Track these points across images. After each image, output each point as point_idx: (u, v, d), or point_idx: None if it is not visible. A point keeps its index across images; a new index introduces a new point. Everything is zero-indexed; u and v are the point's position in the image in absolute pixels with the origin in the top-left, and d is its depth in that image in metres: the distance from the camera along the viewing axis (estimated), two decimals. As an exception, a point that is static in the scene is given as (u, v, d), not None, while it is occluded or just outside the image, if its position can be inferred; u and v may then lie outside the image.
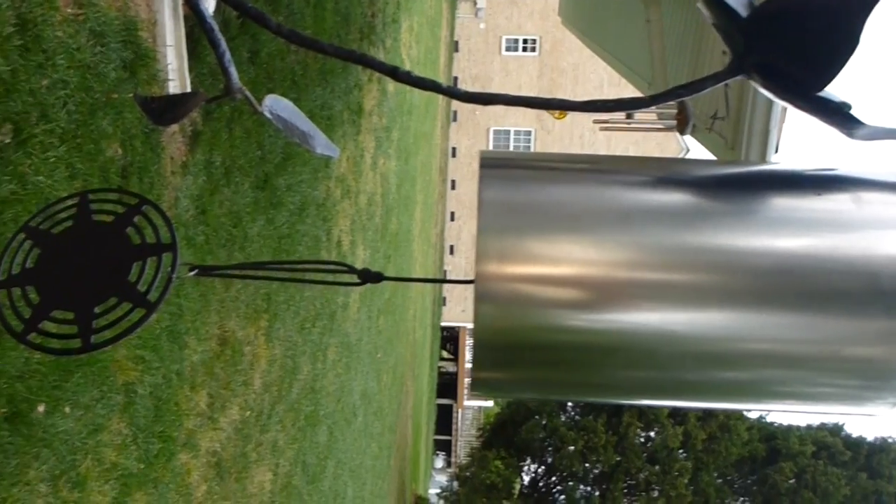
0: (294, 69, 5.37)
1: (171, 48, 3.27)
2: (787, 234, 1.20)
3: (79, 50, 2.73)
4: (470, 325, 32.44)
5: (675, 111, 4.30)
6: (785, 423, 20.94)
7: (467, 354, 33.39)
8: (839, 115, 1.14)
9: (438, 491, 25.73)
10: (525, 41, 30.56)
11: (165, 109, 1.39)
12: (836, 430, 21.06)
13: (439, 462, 37.20)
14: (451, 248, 31.02)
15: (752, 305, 1.19)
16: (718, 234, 1.21)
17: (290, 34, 1.21)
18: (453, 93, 1.19)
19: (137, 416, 3.32)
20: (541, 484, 20.70)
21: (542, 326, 1.23)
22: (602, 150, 29.69)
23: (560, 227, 1.23)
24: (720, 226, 1.21)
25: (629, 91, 7.92)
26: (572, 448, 19.23)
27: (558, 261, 1.22)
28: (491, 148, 30.40)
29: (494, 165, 1.32)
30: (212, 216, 4.04)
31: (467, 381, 33.24)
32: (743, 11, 1.14)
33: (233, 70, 1.24)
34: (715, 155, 4.42)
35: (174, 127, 3.58)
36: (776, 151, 3.75)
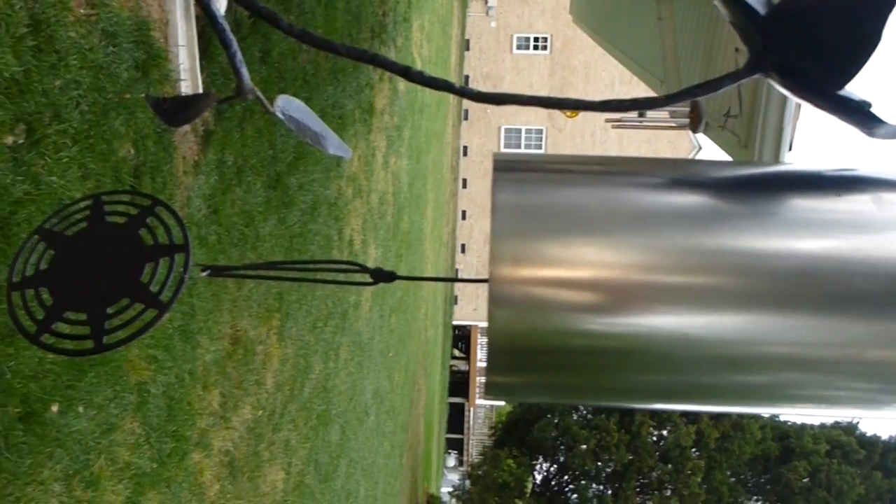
0: (306, 68, 5.37)
1: (182, 48, 3.27)
2: (806, 235, 1.18)
3: (91, 50, 2.74)
4: (482, 324, 32.45)
5: (688, 109, 4.27)
6: (798, 421, 20.83)
7: (479, 353, 33.37)
8: (859, 114, 1.12)
9: (450, 489, 25.75)
10: (536, 39, 30.49)
11: (177, 110, 1.38)
12: (850, 428, 20.93)
13: (451, 461, 37.20)
14: (463, 246, 31.00)
15: (771, 308, 1.17)
16: (737, 236, 1.19)
17: (302, 34, 1.20)
18: (466, 93, 1.18)
19: (150, 415, 3.33)
20: (553, 483, 20.66)
21: (557, 330, 1.22)
22: (614, 148, 29.60)
23: (575, 230, 1.22)
24: (738, 228, 1.19)
25: (641, 89, 7.89)
26: (585, 447, 19.18)
27: (573, 264, 1.21)
28: (502, 146, 30.36)
29: (508, 168, 1.31)
30: (224, 215, 4.05)
31: (479, 380, 33.23)
32: (761, 9, 1.12)
33: (244, 71, 1.23)
34: (728, 153, 4.39)
35: (186, 127, 3.58)
36: (790, 149, 3.72)
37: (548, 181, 1.30)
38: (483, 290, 30.76)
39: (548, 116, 29.68)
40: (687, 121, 4.41)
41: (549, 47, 30.30)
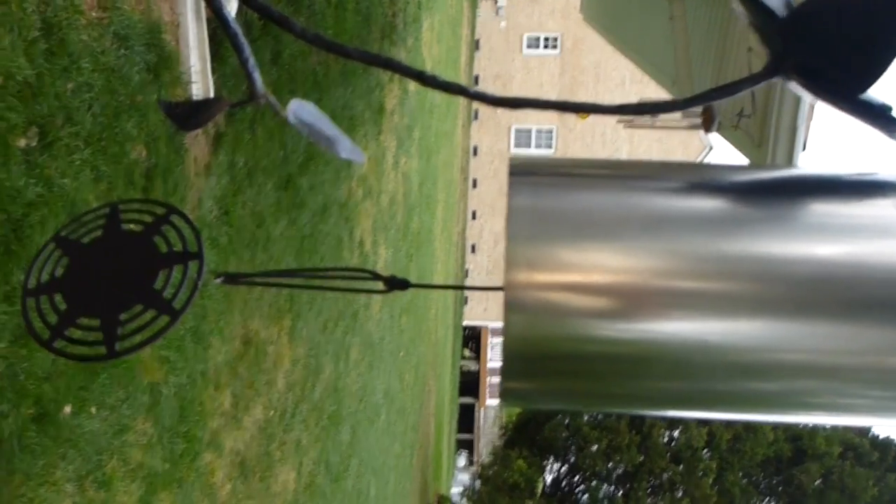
0: (316, 70, 5.38)
1: (194, 50, 3.28)
2: (825, 241, 1.16)
3: (103, 53, 2.75)
4: (492, 324, 32.44)
5: (700, 109, 4.25)
6: (811, 423, 20.67)
7: (489, 353, 33.35)
8: (881, 118, 1.10)
9: (461, 490, 25.74)
10: (546, 39, 30.43)
11: (190, 115, 1.39)
12: (863, 430, 20.79)
13: (462, 461, 37.20)
14: (473, 246, 30.99)
15: (789, 315, 1.15)
16: (755, 241, 1.17)
17: (314, 38, 1.20)
18: (481, 97, 1.17)
19: (163, 416, 3.34)
20: (564, 483, 20.63)
21: (573, 336, 1.20)
22: (624, 148, 29.49)
23: (592, 235, 1.20)
24: (756, 233, 1.18)
25: (652, 88, 7.84)
26: (595, 447, 19.15)
27: (590, 269, 1.19)
28: (512, 146, 30.32)
29: (524, 172, 1.30)
30: (235, 217, 4.06)
31: (490, 380, 33.21)
32: (781, 11, 1.11)
33: (257, 75, 1.23)
34: (741, 152, 4.37)
35: (197, 129, 3.59)
36: (804, 149, 3.69)
37: (564, 185, 1.29)
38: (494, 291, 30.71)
39: (558, 116, 29.61)
40: (699, 121, 4.38)
41: (559, 47, 30.24)
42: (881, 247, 1.14)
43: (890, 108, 1.10)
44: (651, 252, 1.18)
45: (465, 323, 32.09)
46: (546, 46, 30.44)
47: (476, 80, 30.03)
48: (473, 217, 30.86)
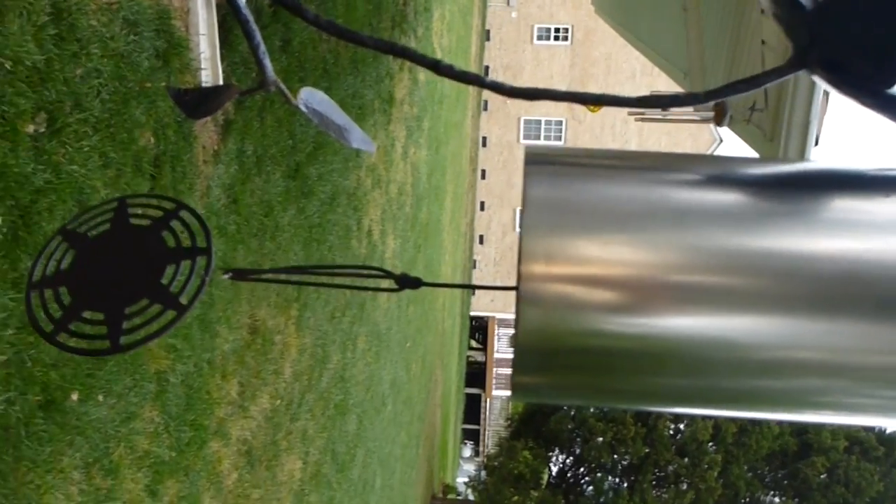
0: (326, 58, 5.35)
1: (203, 37, 3.26)
2: (852, 238, 1.13)
3: (112, 39, 2.73)
4: (499, 315, 32.43)
5: (712, 103, 4.19)
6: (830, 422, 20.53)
7: (496, 344, 33.36)
8: None
9: (466, 480, 25.80)
10: (557, 30, 30.28)
11: (199, 102, 1.37)
12: (868, 426, 20.72)
13: (467, 451, 37.28)
14: (481, 237, 30.96)
15: (815, 312, 1.12)
16: (780, 236, 1.14)
17: (328, 25, 1.17)
18: (498, 87, 1.14)
19: (169, 404, 3.34)
20: (569, 475, 20.64)
21: (591, 331, 1.17)
22: (633, 140, 29.38)
23: (611, 227, 1.17)
24: (781, 228, 1.15)
25: (663, 80, 7.79)
26: (601, 439, 19.13)
27: (611, 262, 1.16)
28: (521, 138, 30.24)
29: (541, 161, 1.26)
30: (243, 205, 4.05)
31: (496, 371, 33.24)
32: (808, 2, 1.08)
33: (268, 62, 1.20)
34: (752, 147, 4.32)
35: (206, 117, 3.58)
36: (816, 144, 3.65)
37: (582, 175, 1.25)
38: (500, 279, 30.69)
39: (567, 108, 29.50)
40: (711, 114, 4.35)
41: (569, 38, 30.09)
42: None
43: None
44: (674, 246, 1.15)
45: (472, 313, 32.10)
46: (557, 38, 30.30)
47: (486, 70, 29.92)
48: (482, 208, 30.82)
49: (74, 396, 2.65)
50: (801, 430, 20.19)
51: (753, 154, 4.29)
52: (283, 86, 1.20)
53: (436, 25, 12.19)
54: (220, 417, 3.94)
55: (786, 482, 20.22)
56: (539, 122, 30.35)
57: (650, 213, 1.17)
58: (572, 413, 19.81)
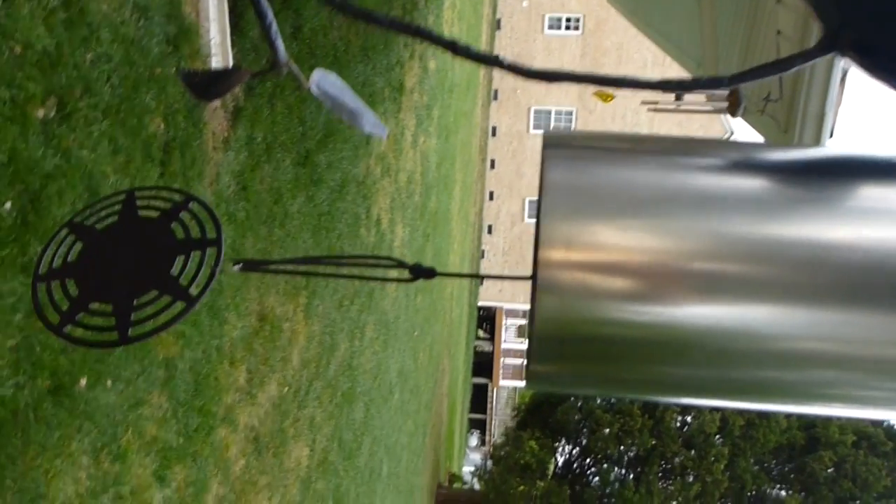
0: (336, 45, 5.33)
1: (214, 23, 3.25)
2: (879, 226, 1.10)
3: (123, 24, 2.72)
4: (507, 305, 32.41)
5: (726, 92, 4.17)
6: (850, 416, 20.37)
7: (503, 334, 33.37)
8: None
9: (472, 469, 25.87)
10: (568, 20, 30.10)
11: (209, 85, 1.35)
12: (878, 420, 20.62)
13: (473, 440, 37.37)
14: (490, 227, 30.91)
15: (837, 303, 1.10)
16: (804, 224, 1.11)
17: (342, 5, 1.15)
18: (516, 69, 1.11)
19: (178, 390, 3.34)
20: (575, 465, 20.66)
21: (610, 320, 1.14)
22: (644, 131, 29.23)
23: (632, 212, 1.13)
24: (806, 216, 1.12)
25: (674, 70, 7.74)
26: (608, 430, 19.12)
27: (630, 249, 1.13)
28: (531, 127, 30.13)
29: (559, 145, 1.23)
30: (253, 192, 4.04)
31: (503, 361, 33.25)
32: None
33: (280, 43, 1.18)
34: (766, 138, 4.28)
35: (216, 102, 3.57)
36: (831, 136, 3.61)
37: (603, 159, 1.21)
38: (508, 269, 30.66)
39: (578, 98, 29.38)
40: (725, 104, 4.31)
41: (580, 28, 29.91)
42: None
43: None
44: (696, 232, 1.12)
45: (479, 303, 32.09)
46: (568, 27, 30.12)
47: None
48: (491, 198, 30.75)
49: (83, 382, 2.66)
50: (808, 423, 20.14)
51: (766, 146, 4.24)
52: (295, 67, 1.18)
53: (446, 14, 12.13)
54: (228, 404, 3.95)
55: (792, 476, 20.18)
56: (549, 111, 30.22)
57: (671, 198, 1.14)
58: (579, 404, 19.80)
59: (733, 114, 4.26)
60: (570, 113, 30.00)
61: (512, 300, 31.93)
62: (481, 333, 35.69)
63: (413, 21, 8.01)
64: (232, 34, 3.42)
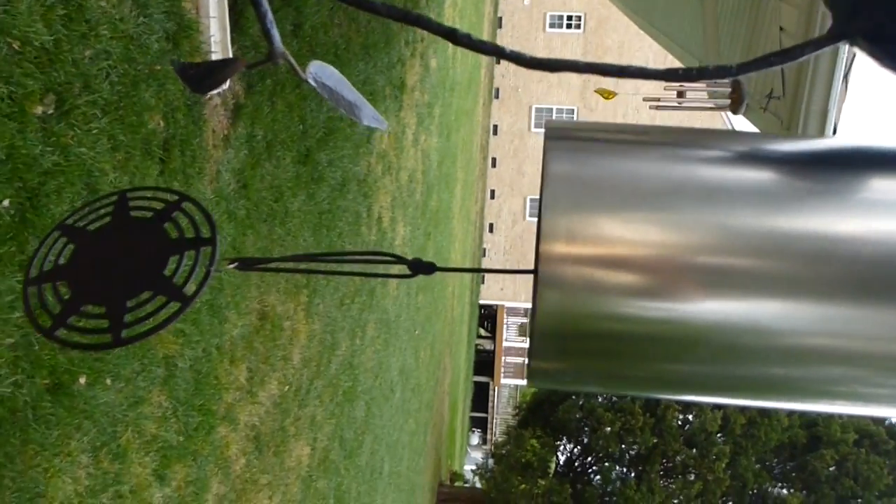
0: (337, 43, 5.31)
1: (214, 19, 3.23)
2: (889, 219, 1.07)
3: (122, 20, 2.70)
4: (508, 304, 32.39)
5: (728, 90, 4.15)
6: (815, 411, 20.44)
7: (505, 333, 33.35)
8: None
9: (474, 468, 25.86)
10: (570, 18, 30.06)
11: (204, 76, 1.33)
12: (879, 418, 20.59)
13: (475, 439, 37.36)
14: (491, 226, 30.89)
15: (850, 297, 1.07)
16: (813, 216, 1.09)
17: (335, -7, 1.14)
18: (518, 58, 1.09)
19: (177, 389, 3.33)
20: (576, 464, 20.64)
21: (614, 315, 1.11)
22: (646, 129, 29.13)
23: (638, 205, 1.10)
24: (815, 208, 1.09)
25: (677, 68, 7.67)
26: (609, 429, 19.10)
27: (634, 242, 1.10)
28: (532, 126, 30.10)
29: (562, 136, 1.20)
30: (253, 190, 4.02)
31: (505, 359, 33.24)
32: None
33: (275, 32, 1.16)
34: (768, 135, 4.26)
35: (216, 100, 3.55)
36: (834, 133, 3.59)
37: (606, 151, 1.18)
38: (510, 268, 30.62)
39: (580, 96, 29.36)
40: (727, 102, 4.29)
41: (582, 26, 29.88)
42: None
43: None
44: (702, 225, 1.09)
45: (481, 302, 32.07)
46: (569, 25, 30.08)
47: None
48: (492, 196, 30.73)
49: (82, 380, 2.64)
50: (810, 422, 20.13)
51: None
52: (291, 58, 1.16)
53: (447, 12, 12.11)
54: (228, 403, 3.94)
55: (794, 474, 20.16)
56: (551, 110, 30.19)
57: (676, 190, 1.11)
58: (580, 402, 19.79)
59: (735, 111, 4.24)
60: (572, 111, 29.97)
61: (513, 299, 31.91)
62: (483, 332, 35.68)
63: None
64: (232, 31, 3.41)
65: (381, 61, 6.81)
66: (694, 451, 19.14)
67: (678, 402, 18.21)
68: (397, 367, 9.08)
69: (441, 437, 18.59)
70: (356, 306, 6.60)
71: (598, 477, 20.12)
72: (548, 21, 30.18)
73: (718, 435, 19.38)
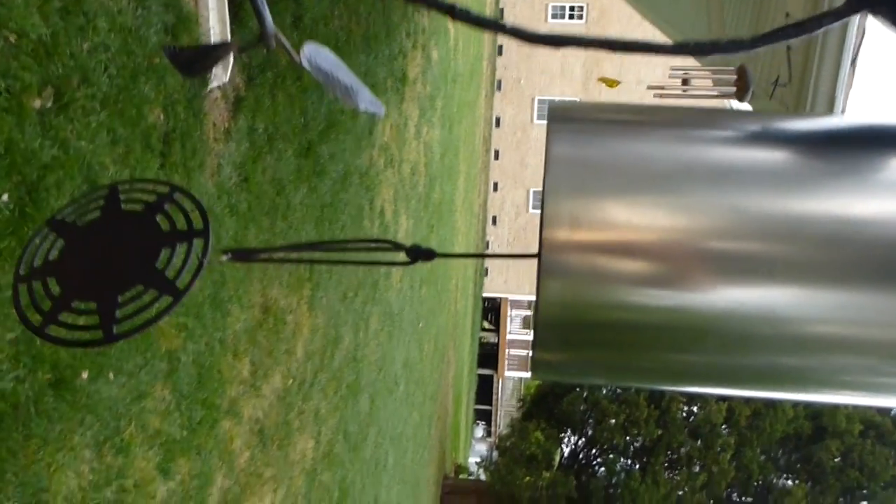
0: (338, 35, 5.28)
1: (213, 12, 3.21)
2: None
3: (120, 13, 2.68)
4: (512, 297, 32.38)
5: (733, 77, 4.11)
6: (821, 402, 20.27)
7: (509, 325, 33.35)
8: None
9: (478, 460, 25.90)
10: (572, 9, 29.94)
11: (194, 60, 1.30)
12: (884, 409, 20.55)
13: (479, 432, 37.42)
14: (494, 218, 30.85)
15: (868, 283, 1.03)
16: (829, 198, 1.04)
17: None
18: (518, 33, 1.06)
19: (181, 383, 3.32)
20: (581, 456, 20.66)
21: (621, 304, 1.06)
22: (649, 121, 29.04)
23: (644, 188, 1.05)
24: (831, 189, 1.04)
25: (679, 62, 7.66)
26: (613, 421, 19.10)
27: (642, 228, 1.05)
28: (535, 118, 30.02)
29: (566, 118, 1.16)
30: (254, 183, 4.01)
31: (508, 352, 33.25)
32: None
33: (267, 13, 1.14)
34: (773, 124, 4.23)
35: (217, 93, 3.53)
36: (841, 120, 3.56)
37: (612, 132, 1.13)
38: (514, 263, 30.59)
39: (582, 87, 29.26)
40: (732, 89, 4.25)
41: (584, 17, 29.76)
42: None
43: None
44: (716, 209, 1.04)
45: (484, 294, 32.07)
46: (571, 16, 29.97)
47: (500, 49, 29.69)
48: (495, 189, 30.69)
49: (84, 375, 2.63)
50: (815, 413, 20.10)
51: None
52: (284, 39, 1.14)
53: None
54: (231, 397, 3.93)
55: (799, 465, 20.16)
56: (553, 101, 30.10)
57: (685, 172, 1.06)
58: (585, 395, 19.80)
59: (741, 99, 4.20)
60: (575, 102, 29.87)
61: (517, 291, 31.90)
62: (486, 325, 35.69)
63: (412, 14, 7.95)
64: (231, 24, 3.39)
65: (382, 53, 6.78)
66: (699, 442, 19.14)
67: (683, 394, 18.19)
68: (401, 360, 9.07)
69: (445, 430, 18.62)
70: (359, 299, 6.59)
71: (602, 469, 20.13)
72: (550, 12, 30.07)
73: (723, 426, 19.37)
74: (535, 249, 1.10)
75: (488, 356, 34.16)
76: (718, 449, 18.99)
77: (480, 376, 33.98)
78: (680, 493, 18.63)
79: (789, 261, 1.04)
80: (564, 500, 18.45)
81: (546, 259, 1.05)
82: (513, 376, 34.86)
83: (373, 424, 7.52)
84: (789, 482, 20.21)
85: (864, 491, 19.25)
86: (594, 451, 20.60)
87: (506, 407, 34.58)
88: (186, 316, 3.35)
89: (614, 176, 1.08)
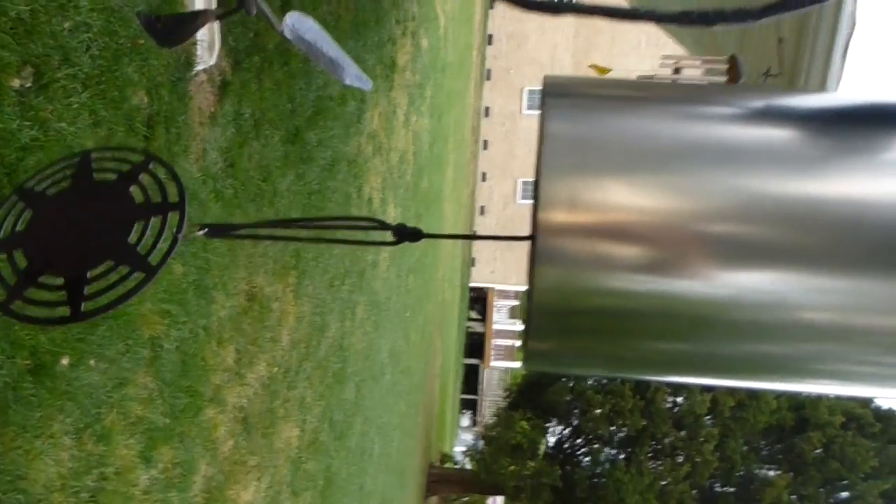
0: (326, 20, 5.22)
1: (199, -8, 3.15)
2: None
3: (103, -9, 2.62)
4: (498, 286, 32.41)
5: (725, 67, 4.09)
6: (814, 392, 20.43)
7: (495, 315, 33.39)
8: None
9: (464, 449, 25.96)
10: None
11: (171, 29, 1.25)
12: (866, 401, 20.73)
13: (465, 421, 37.51)
14: (482, 208, 30.83)
15: (882, 267, 0.97)
16: (839, 179, 0.98)
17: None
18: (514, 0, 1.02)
19: (164, 370, 3.28)
20: (566, 445, 20.73)
21: (619, 291, 1.00)
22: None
23: (645, 168, 0.99)
24: (841, 169, 0.98)
25: (669, 50, 7.63)
26: (599, 411, 19.18)
27: (643, 210, 0.98)
28: (524, 108, 29.97)
29: (562, 93, 1.09)
30: (240, 169, 3.95)
31: (494, 342, 33.30)
32: None
33: (246, -26, 1.10)
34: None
35: (202, 76, 3.47)
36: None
37: (611, 108, 1.06)
38: (501, 253, 30.62)
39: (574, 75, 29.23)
40: (724, 79, 4.22)
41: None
42: None
43: None
44: (718, 190, 0.98)
45: (471, 284, 32.08)
46: (561, 6, 29.89)
47: (490, 39, 29.59)
48: (483, 179, 30.65)
49: (65, 361, 2.59)
50: (798, 404, 20.26)
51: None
52: (265, 7, 1.10)
53: (439, -9, 11.97)
54: (215, 384, 3.89)
55: (781, 456, 20.33)
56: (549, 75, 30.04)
57: (688, 151, 1.00)
58: (571, 385, 19.86)
59: (731, 90, 4.18)
60: (564, 93, 29.83)
61: (504, 281, 31.93)
62: (473, 315, 35.73)
63: (403, 3, 7.88)
64: (218, 5, 3.33)
65: (372, 40, 6.71)
66: (683, 433, 19.25)
67: (670, 385, 18.27)
68: (387, 348, 9.04)
69: (431, 419, 18.63)
70: (346, 288, 6.54)
71: (587, 458, 20.22)
72: None
73: (707, 417, 19.49)
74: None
75: (475, 346, 34.22)
76: (702, 439, 19.12)
77: (466, 366, 34.04)
78: (664, 482, 18.74)
79: (795, 245, 0.99)
80: (549, 489, 18.53)
81: (541, 243, 0.99)
82: (498, 366, 34.94)
83: (358, 413, 7.50)
84: (771, 473, 20.37)
85: (845, 482, 19.43)
86: (579, 440, 20.68)
87: (491, 396, 34.67)
88: (170, 302, 3.30)
89: (615, 154, 1.02)
